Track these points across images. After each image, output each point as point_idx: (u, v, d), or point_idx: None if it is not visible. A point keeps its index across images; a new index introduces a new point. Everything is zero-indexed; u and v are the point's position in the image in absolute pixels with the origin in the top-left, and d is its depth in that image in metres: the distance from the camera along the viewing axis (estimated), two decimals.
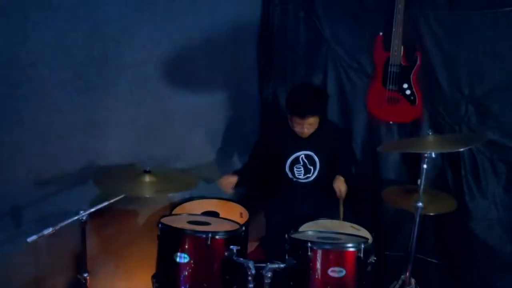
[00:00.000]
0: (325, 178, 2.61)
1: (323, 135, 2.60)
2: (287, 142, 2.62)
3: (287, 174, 2.64)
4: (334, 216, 2.47)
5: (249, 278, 1.97)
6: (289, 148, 2.62)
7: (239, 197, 2.86)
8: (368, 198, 2.92)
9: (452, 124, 2.62)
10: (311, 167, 2.62)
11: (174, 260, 2.11)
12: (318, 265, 2.03)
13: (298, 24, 2.99)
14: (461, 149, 2.47)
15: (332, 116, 2.93)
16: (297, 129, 2.52)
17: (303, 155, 2.61)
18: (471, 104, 2.56)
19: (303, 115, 2.45)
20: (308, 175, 2.62)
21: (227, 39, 2.85)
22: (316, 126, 2.53)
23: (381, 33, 2.65)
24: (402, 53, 2.61)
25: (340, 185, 2.47)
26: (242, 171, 2.66)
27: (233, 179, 2.54)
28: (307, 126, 2.49)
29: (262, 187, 2.95)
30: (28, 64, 1.89)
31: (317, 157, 2.60)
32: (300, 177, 2.63)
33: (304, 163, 2.61)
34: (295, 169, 2.63)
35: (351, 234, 2.22)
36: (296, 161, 2.62)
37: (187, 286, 2.12)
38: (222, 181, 2.54)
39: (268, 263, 1.96)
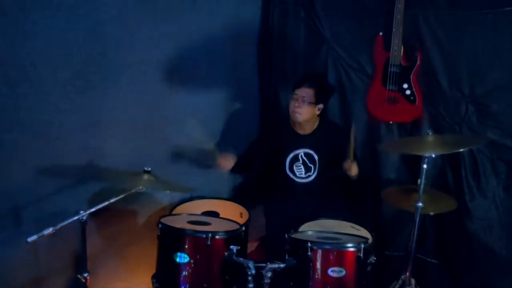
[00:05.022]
0: (325, 178, 2.61)
1: (323, 134, 2.60)
2: (286, 140, 2.63)
3: (287, 173, 2.64)
4: (334, 216, 2.47)
5: (249, 278, 1.97)
6: (289, 145, 2.62)
7: (239, 197, 2.86)
8: (368, 198, 2.92)
9: (452, 124, 2.62)
10: (311, 165, 2.62)
11: (174, 260, 2.11)
12: (318, 265, 2.03)
13: (298, 24, 2.99)
14: (461, 150, 2.47)
15: (332, 116, 2.93)
16: (291, 106, 2.55)
17: (302, 153, 2.61)
18: (471, 104, 2.56)
19: (299, 85, 2.53)
20: (309, 173, 2.62)
21: (227, 39, 2.85)
22: (309, 109, 2.52)
23: (381, 33, 2.65)
24: (402, 53, 2.61)
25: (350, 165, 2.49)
26: (239, 158, 2.67)
27: (232, 160, 2.57)
28: (300, 99, 2.51)
29: (261, 187, 2.94)
30: (28, 63, 1.89)
31: (317, 155, 2.60)
32: (301, 175, 2.63)
33: (304, 161, 2.61)
34: (295, 167, 2.63)
35: (351, 234, 2.22)
36: (295, 159, 2.62)
37: (187, 286, 2.12)
38: (221, 158, 2.56)
39: (268, 263, 1.96)
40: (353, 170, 2.49)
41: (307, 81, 2.55)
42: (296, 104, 2.52)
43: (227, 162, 2.57)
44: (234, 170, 2.66)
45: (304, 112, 2.52)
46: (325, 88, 2.64)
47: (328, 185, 2.63)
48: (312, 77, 2.64)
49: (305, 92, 2.51)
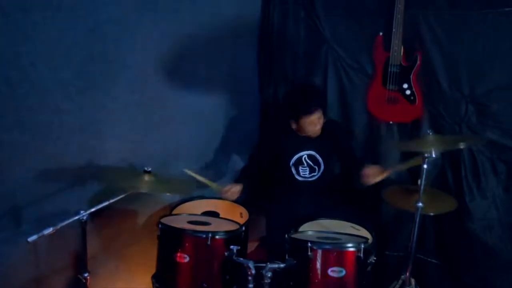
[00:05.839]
0: (329, 177, 2.62)
1: (324, 133, 2.60)
2: (288, 143, 2.62)
3: (290, 173, 2.64)
4: (335, 216, 2.47)
5: (249, 278, 1.97)
6: (291, 149, 2.62)
7: (239, 197, 2.86)
8: (368, 198, 2.92)
9: (452, 124, 2.62)
10: (316, 167, 2.63)
11: (174, 260, 2.11)
12: (318, 265, 2.03)
13: (298, 24, 2.99)
14: (461, 147, 2.46)
15: (332, 116, 2.93)
16: (310, 128, 2.48)
17: (305, 155, 2.61)
18: (471, 104, 2.56)
19: (311, 110, 2.42)
20: (313, 173, 2.63)
21: (227, 39, 2.85)
22: (322, 120, 2.51)
23: (381, 33, 2.65)
24: (402, 53, 2.61)
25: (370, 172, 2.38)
26: (243, 176, 2.64)
27: (238, 188, 2.47)
28: (317, 120, 2.46)
29: (262, 188, 2.95)
30: (28, 63, 1.89)
31: (320, 156, 2.60)
32: (305, 175, 2.64)
33: (308, 164, 2.62)
34: (300, 169, 2.63)
35: (351, 234, 2.22)
36: (299, 161, 2.62)
37: (187, 286, 2.13)
38: (226, 191, 2.45)
39: (268, 263, 1.97)
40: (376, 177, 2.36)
41: (313, 105, 2.44)
42: (318, 126, 2.48)
43: (234, 192, 2.46)
44: (244, 191, 2.55)
45: (321, 127, 2.52)
46: (323, 97, 2.67)
47: (329, 184, 2.63)
48: (314, 97, 2.53)
49: (318, 114, 2.45)
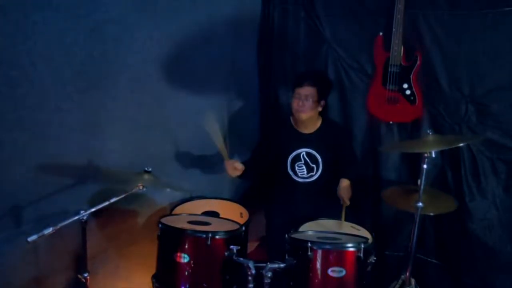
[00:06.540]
0: (328, 178, 2.62)
1: (325, 133, 2.61)
2: (287, 139, 2.63)
3: (289, 173, 2.64)
4: (335, 216, 2.47)
5: (249, 278, 1.97)
6: (290, 145, 2.63)
7: (239, 197, 2.86)
8: (368, 198, 2.92)
9: (452, 124, 2.62)
10: (314, 165, 2.62)
11: (174, 260, 2.11)
12: (318, 265, 2.03)
13: (298, 24, 2.99)
14: (460, 144, 2.46)
15: (332, 116, 2.93)
16: (295, 103, 2.54)
17: (304, 153, 2.61)
18: (471, 104, 2.56)
19: (301, 83, 2.51)
20: (311, 173, 2.63)
21: (227, 39, 2.85)
22: (313, 107, 2.54)
23: (381, 33, 2.65)
24: (402, 53, 2.61)
25: (343, 193, 2.49)
26: (247, 164, 2.63)
27: (240, 166, 2.49)
28: (304, 98, 2.51)
29: (262, 187, 2.94)
30: (28, 63, 1.89)
31: (319, 155, 2.60)
32: (303, 175, 2.63)
33: (306, 161, 2.62)
34: (296, 167, 2.63)
35: (351, 234, 2.22)
36: (297, 158, 2.62)
37: (187, 286, 2.12)
38: (228, 164, 2.49)
39: (268, 263, 1.96)
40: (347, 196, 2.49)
41: (308, 80, 2.55)
42: (300, 103, 2.53)
43: (235, 168, 2.48)
44: (242, 177, 2.57)
45: (308, 110, 2.54)
46: (326, 84, 2.67)
47: (330, 185, 2.63)
48: (313, 75, 2.65)
49: (308, 91, 2.52)
